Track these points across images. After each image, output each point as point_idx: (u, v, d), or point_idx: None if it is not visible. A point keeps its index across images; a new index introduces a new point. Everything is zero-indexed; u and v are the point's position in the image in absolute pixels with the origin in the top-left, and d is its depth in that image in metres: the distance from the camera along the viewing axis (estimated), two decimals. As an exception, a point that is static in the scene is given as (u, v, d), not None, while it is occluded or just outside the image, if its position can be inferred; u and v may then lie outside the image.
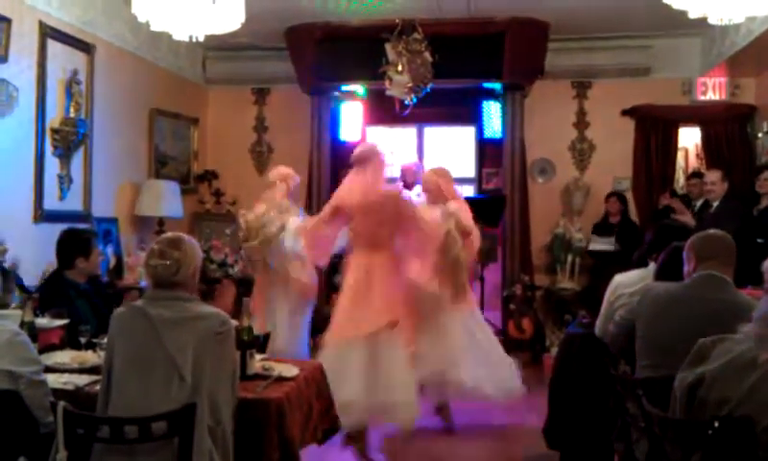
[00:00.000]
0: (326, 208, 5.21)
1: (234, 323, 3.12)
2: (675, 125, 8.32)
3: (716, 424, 2.39)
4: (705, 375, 2.57)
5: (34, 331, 3.49)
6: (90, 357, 3.52)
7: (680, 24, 6.65)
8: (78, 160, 6.34)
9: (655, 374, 3.10)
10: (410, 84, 7.48)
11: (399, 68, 7.46)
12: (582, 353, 4.13)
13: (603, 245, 7.73)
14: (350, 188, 5.06)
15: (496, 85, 8.19)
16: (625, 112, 8.38)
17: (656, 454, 2.73)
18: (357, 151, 5.19)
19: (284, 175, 5.90)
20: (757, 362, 2.43)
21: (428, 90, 7.59)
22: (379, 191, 5.02)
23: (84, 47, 6.43)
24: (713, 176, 6.69)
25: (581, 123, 8.56)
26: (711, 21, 4.99)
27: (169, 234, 3.07)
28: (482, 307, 6.12)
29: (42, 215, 5.84)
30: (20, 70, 5.61)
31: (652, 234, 4.25)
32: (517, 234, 8.09)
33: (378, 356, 4.72)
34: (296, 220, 5.52)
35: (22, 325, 3.40)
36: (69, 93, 6.16)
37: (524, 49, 7.71)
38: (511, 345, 7.66)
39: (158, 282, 2.91)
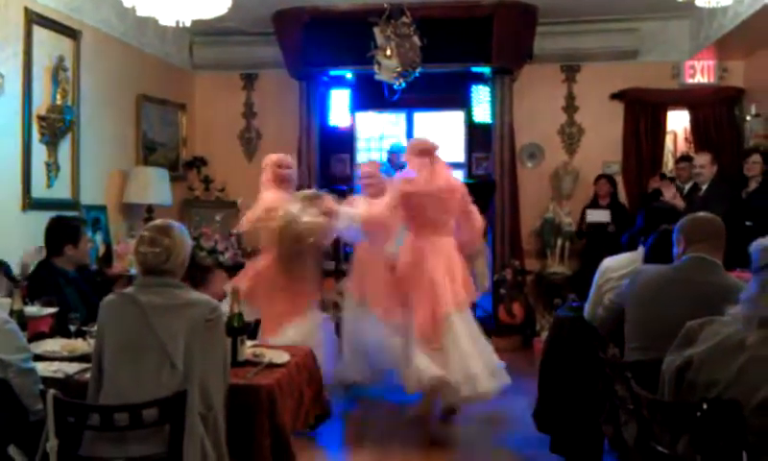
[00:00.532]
0: (395, 195, 5.18)
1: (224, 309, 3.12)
2: (664, 108, 8.34)
3: (705, 407, 2.40)
4: (693, 357, 2.59)
5: (23, 320, 3.47)
6: (80, 345, 3.51)
7: (667, 6, 6.68)
8: (65, 148, 6.30)
9: (644, 356, 3.12)
10: (399, 69, 7.46)
11: (388, 52, 7.44)
12: (571, 337, 4.14)
13: (599, 217, 7.74)
14: (419, 177, 5.11)
15: (485, 70, 8.17)
16: (614, 96, 8.40)
17: (644, 437, 2.75)
18: (420, 143, 5.30)
19: (265, 163, 5.71)
20: (745, 344, 2.45)
21: (417, 75, 7.57)
22: (449, 181, 5.22)
23: (71, 33, 6.37)
24: (703, 159, 6.71)
25: (570, 107, 8.58)
26: (699, 4, 5.01)
27: (158, 221, 3.05)
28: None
29: (30, 203, 5.80)
30: (6, 57, 5.56)
31: (642, 218, 4.26)
32: (507, 219, 8.09)
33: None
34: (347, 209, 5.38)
35: (11, 313, 3.39)
36: (56, 80, 6.10)
37: (512, 32, 7.70)
38: (501, 329, 7.71)
39: (148, 270, 2.90)
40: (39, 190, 5.95)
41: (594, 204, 8.00)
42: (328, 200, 5.25)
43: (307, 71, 8.23)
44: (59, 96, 6.13)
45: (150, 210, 7.17)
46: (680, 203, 6.51)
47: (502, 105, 8.13)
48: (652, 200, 6.78)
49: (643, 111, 8.31)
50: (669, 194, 6.80)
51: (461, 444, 5.06)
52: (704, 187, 6.59)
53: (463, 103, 8.88)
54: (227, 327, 3.11)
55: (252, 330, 3.86)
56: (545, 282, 8.18)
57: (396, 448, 4.86)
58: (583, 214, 7.97)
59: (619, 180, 8.27)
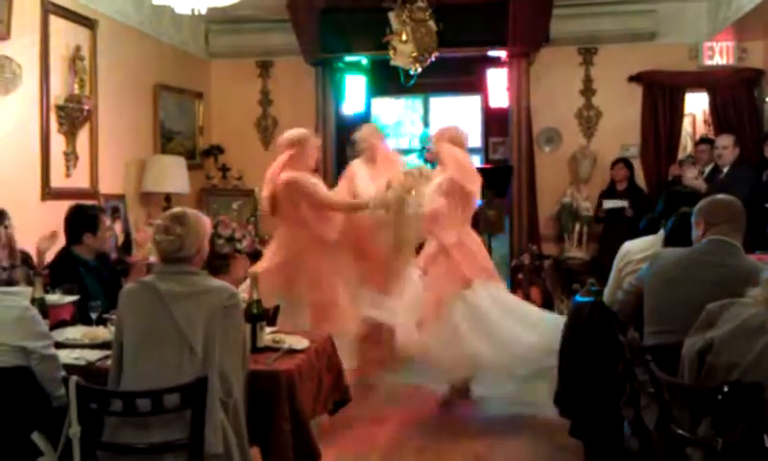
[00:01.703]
0: None
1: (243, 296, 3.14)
2: (682, 90, 8.25)
3: (725, 390, 2.39)
4: (713, 340, 2.58)
5: (44, 307, 3.49)
6: (101, 333, 3.54)
7: (685, -13, 6.59)
8: (83, 137, 6.33)
9: (664, 340, 3.10)
10: (414, 54, 7.44)
11: (404, 38, 7.41)
12: (591, 322, 4.13)
13: (615, 203, 7.69)
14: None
15: (502, 53, 8.13)
16: (632, 79, 8.32)
17: (665, 420, 2.74)
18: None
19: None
20: (766, 327, 2.43)
21: (433, 60, 7.54)
22: None
23: (87, 23, 6.39)
24: (726, 140, 6.64)
25: (587, 90, 8.49)
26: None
27: (175, 210, 3.07)
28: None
29: (49, 193, 5.85)
30: (23, 47, 5.58)
31: (663, 201, 4.24)
32: (525, 204, 8.07)
33: None
34: None
35: (33, 301, 3.41)
36: (73, 70, 6.13)
37: (528, 15, 7.65)
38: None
39: (165, 258, 2.93)
40: (58, 180, 5.99)
41: (611, 188, 7.94)
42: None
43: (323, 58, 8.22)
44: (76, 86, 6.15)
45: (168, 199, 7.21)
46: (701, 184, 6.44)
47: (519, 89, 8.09)
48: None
49: (661, 94, 8.22)
50: (691, 174, 6.72)
51: (482, 427, 5.06)
52: (725, 169, 6.53)
53: (479, 87, 8.85)
54: (246, 313, 3.13)
55: (271, 317, 3.87)
56: (563, 267, 8.14)
57: (414, 430, 4.88)
58: (599, 202, 7.91)
59: (637, 163, 8.20)
